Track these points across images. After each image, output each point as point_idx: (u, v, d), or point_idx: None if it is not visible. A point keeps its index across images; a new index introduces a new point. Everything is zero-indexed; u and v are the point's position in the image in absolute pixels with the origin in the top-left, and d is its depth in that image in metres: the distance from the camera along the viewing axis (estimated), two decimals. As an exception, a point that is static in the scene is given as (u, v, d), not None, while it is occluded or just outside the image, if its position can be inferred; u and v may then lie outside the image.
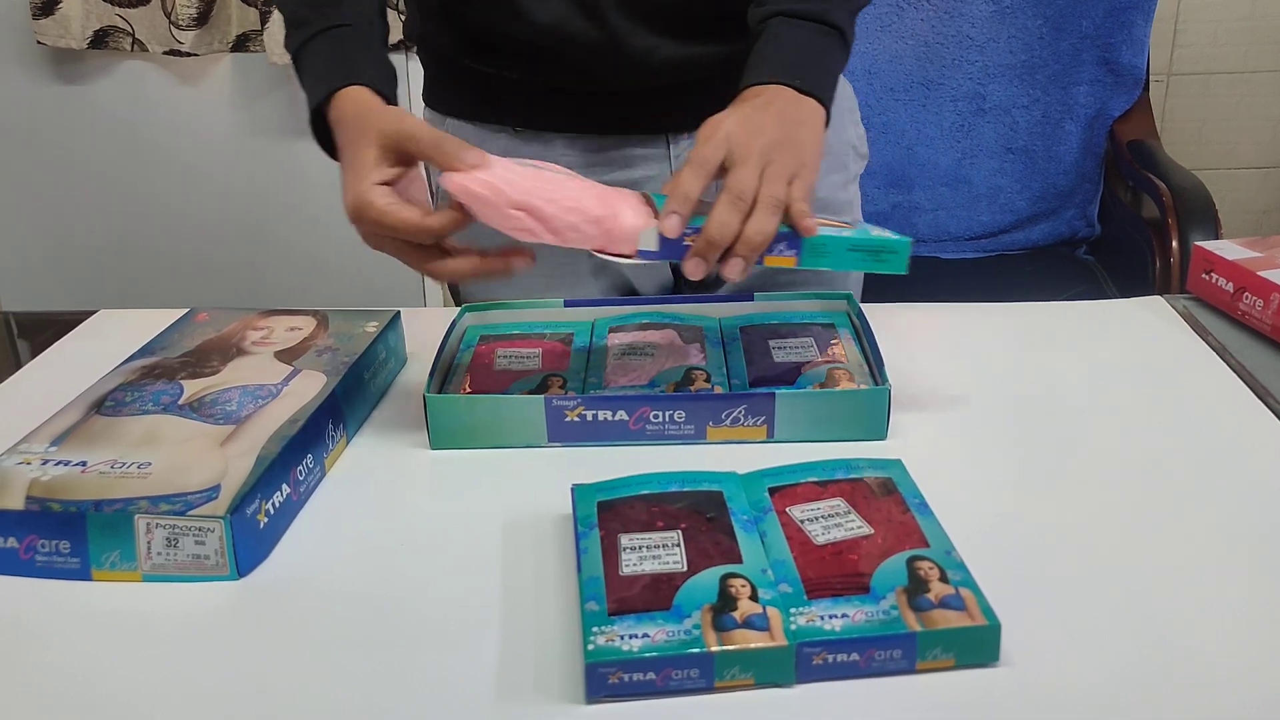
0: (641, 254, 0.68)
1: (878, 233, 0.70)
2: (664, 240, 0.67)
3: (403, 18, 1.99)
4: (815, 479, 0.63)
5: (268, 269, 2.14)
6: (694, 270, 0.67)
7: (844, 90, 0.97)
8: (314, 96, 0.76)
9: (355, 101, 0.73)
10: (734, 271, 0.67)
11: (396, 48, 1.99)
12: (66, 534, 0.60)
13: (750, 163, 0.67)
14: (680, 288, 0.99)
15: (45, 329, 0.92)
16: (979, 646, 0.52)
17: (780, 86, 0.73)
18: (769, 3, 0.79)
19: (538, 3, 0.83)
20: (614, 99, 0.88)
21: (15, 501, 0.61)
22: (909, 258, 0.69)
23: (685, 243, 0.67)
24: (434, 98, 0.97)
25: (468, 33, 0.89)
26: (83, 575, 0.60)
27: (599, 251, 0.68)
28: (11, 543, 0.60)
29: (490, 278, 0.71)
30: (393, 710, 0.51)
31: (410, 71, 2.03)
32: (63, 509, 0.60)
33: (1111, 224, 1.88)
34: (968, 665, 0.52)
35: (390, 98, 0.75)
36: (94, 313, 0.97)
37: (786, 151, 0.69)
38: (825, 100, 0.75)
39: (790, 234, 0.67)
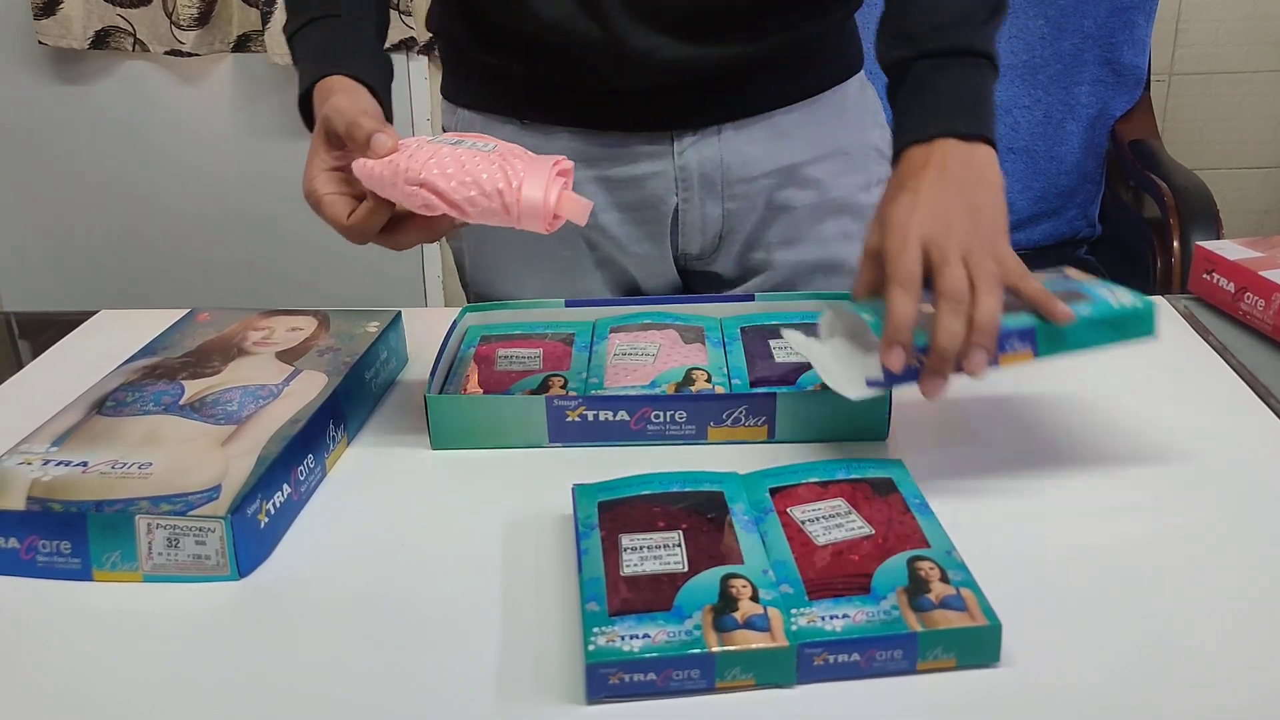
0: (870, 383, 0.64)
1: (1111, 295, 0.65)
2: (888, 371, 0.63)
3: (404, 18, 1.99)
4: (816, 479, 0.63)
5: (269, 269, 2.14)
6: (933, 390, 0.63)
7: (868, 92, 0.96)
8: (301, 83, 0.77)
9: (329, 90, 0.73)
10: (978, 368, 0.63)
11: (398, 48, 1.99)
12: (67, 534, 0.60)
13: (952, 259, 0.64)
14: (689, 286, 0.99)
15: (46, 329, 0.92)
16: (980, 647, 0.52)
17: (945, 141, 0.70)
18: (901, 40, 0.76)
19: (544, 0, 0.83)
20: (618, 96, 0.88)
21: (16, 502, 0.61)
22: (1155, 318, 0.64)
23: (913, 365, 0.62)
24: (448, 88, 0.98)
25: (479, 25, 0.89)
26: (84, 575, 0.60)
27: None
28: (12, 543, 0.60)
29: (426, 237, 0.71)
30: (393, 710, 0.51)
31: (410, 70, 2.03)
32: (64, 509, 0.60)
33: (1113, 224, 1.88)
34: (969, 665, 0.52)
35: (376, 88, 0.76)
36: (95, 313, 0.97)
37: (980, 229, 0.66)
38: (991, 139, 0.72)
39: (1022, 329, 0.63)
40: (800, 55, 0.89)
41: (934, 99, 0.73)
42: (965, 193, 0.68)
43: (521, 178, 0.65)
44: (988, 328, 0.62)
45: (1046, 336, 0.63)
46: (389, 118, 0.75)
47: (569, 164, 0.68)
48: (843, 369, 0.65)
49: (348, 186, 0.71)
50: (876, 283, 0.67)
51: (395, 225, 0.70)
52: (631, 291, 0.98)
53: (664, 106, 0.88)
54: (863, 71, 0.97)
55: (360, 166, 0.68)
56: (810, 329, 0.71)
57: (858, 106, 0.95)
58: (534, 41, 0.85)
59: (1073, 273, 0.71)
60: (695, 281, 0.98)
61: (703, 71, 0.86)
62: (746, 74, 0.87)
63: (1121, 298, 0.65)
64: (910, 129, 0.73)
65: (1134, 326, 0.64)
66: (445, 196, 0.65)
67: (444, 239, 0.80)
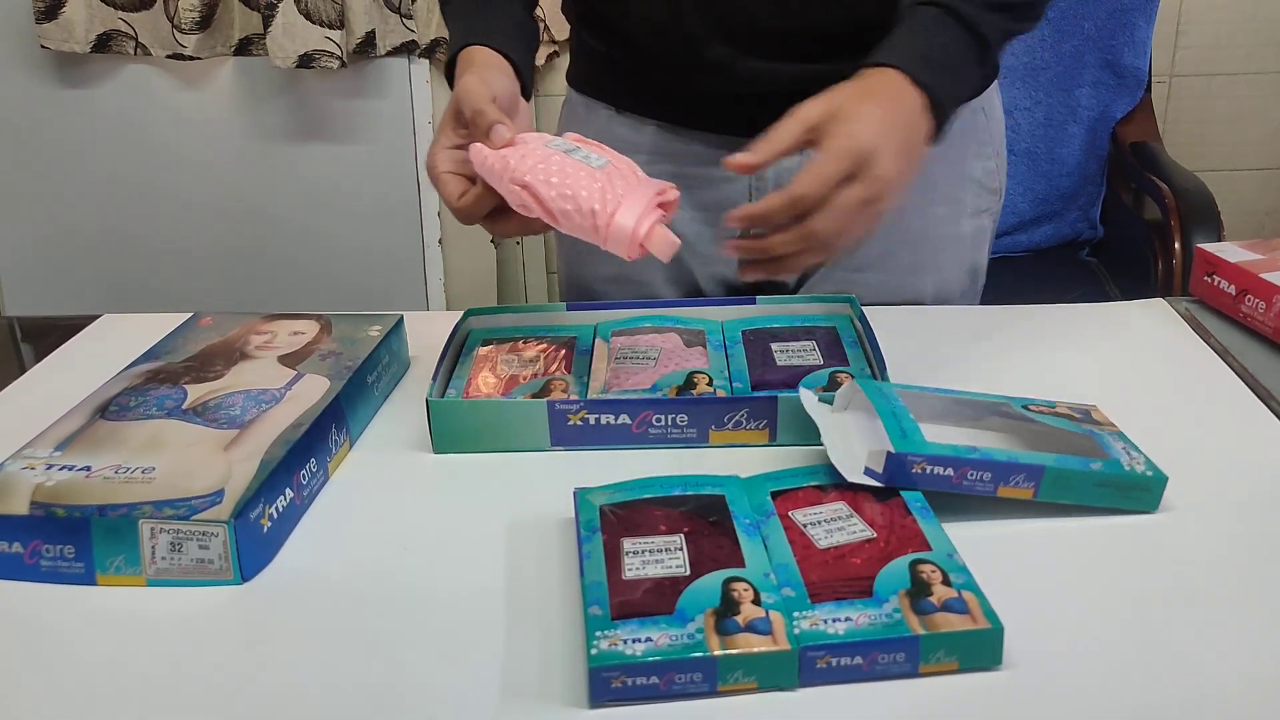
0: (867, 472, 0.62)
1: (1126, 457, 0.65)
2: (889, 462, 0.62)
3: (405, 21, 1.99)
4: (817, 483, 0.63)
5: (271, 273, 2.15)
6: (749, 275, 0.69)
7: (978, 119, 0.94)
8: (449, 49, 0.80)
9: (469, 62, 0.76)
10: (790, 273, 0.68)
11: (399, 51, 1.99)
12: (71, 539, 0.60)
13: (862, 193, 0.67)
14: (702, 293, 0.99)
15: (49, 333, 0.92)
16: (982, 649, 0.52)
17: (898, 74, 0.72)
18: None
19: None
20: (702, 98, 0.89)
21: (20, 506, 0.61)
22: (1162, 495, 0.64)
23: (914, 471, 0.62)
24: (569, 70, 1.02)
25: (586, 7, 0.93)
26: (87, 580, 0.60)
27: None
28: (16, 548, 0.60)
29: (526, 230, 0.74)
30: (396, 714, 0.51)
31: (412, 74, 2.03)
32: (67, 514, 0.60)
33: (1114, 226, 1.88)
34: (971, 668, 0.52)
35: (517, 61, 0.78)
36: (98, 317, 0.97)
37: (904, 181, 0.69)
38: (943, 104, 0.73)
39: (1031, 466, 0.62)
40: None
41: (913, 41, 0.75)
42: (912, 141, 0.71)
43: (619, 202, 0.67)
44: (826, 251, 0.68)
45: (1051, 482, 0.63)
46: (527, 91, 0.79)
47: (674, 194, 0.70)
48: (846, 447, 0.65)
49: (465, 167, 0.73)
50: (787, 146, 0.69)
51: (500, 214, 0.73)
52: (692, 289, 0.98)
53: (747, 112, 0.86)
54: (983, 97, 0.94)
55: (476, 153, 0.71)
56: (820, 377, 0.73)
57: (959, 133, 0.91)
58: (628, 35, 0.88)
59: (1100, 415, 0.71)
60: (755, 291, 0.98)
61: (786, 84, 0.84)
62: (823, 86, 0.86)
63: (1135, 463, 0.65)
64: (880, 54, 0.74)
65: (1139, 497, 0.64)
66: (543, 203, 0.68)
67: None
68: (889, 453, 0.62)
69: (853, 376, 0.75)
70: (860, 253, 0.92)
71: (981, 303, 0.98)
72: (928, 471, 0.62)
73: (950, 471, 0.62)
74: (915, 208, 0.91)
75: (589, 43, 0.94)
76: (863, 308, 0.83)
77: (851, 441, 0.66)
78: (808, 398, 0.69)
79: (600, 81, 0.96)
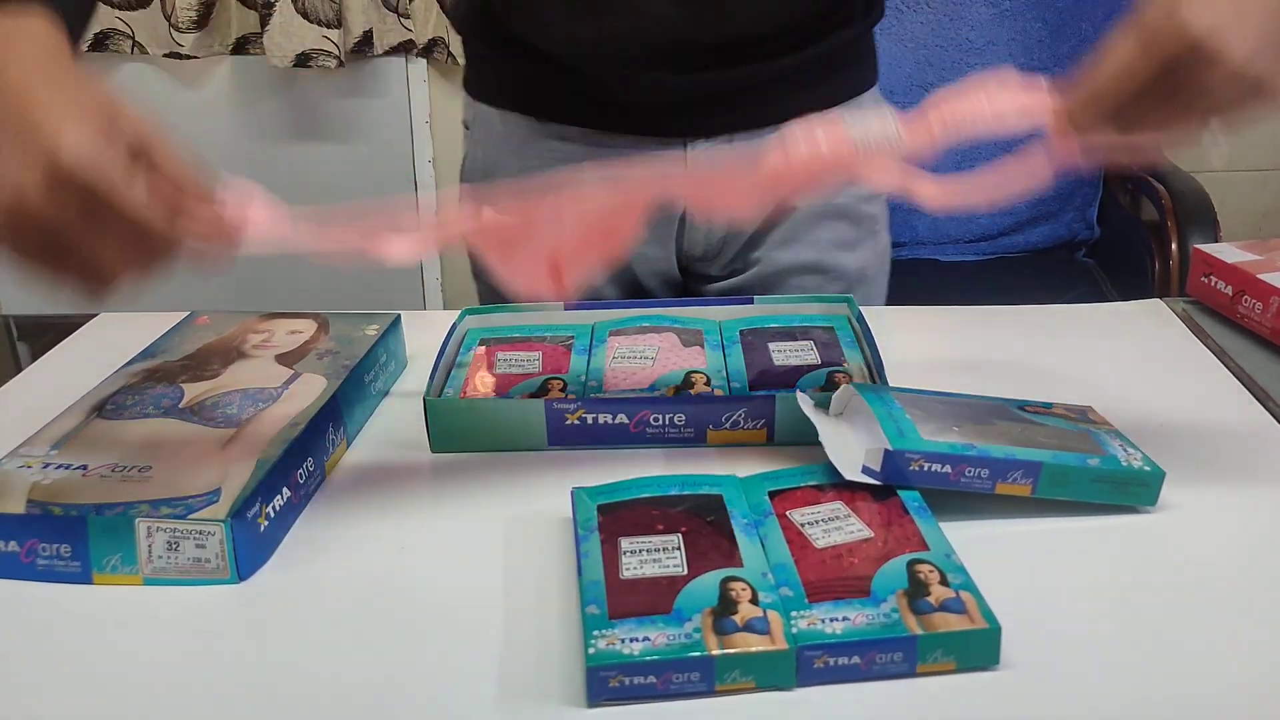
0: (865, 470, 0.62)
1: (1123, 453, 0.65)
2: (886, 460, 0.61)
3: (403, 20, 1.99)
4: (815, 483, 0.63)
5: (268, 272, 2.14)
6: None
7: (880, 106, 0.96)
8: None
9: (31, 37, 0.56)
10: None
11: (397, 50, 1.98)
12: (67, 537, 0.60)
13: None
14: (688, 287, 1.00)
15: (46, 332, 0.92)
16: (979, 649, 0.52)
17: None
18: None
19: None
20: (628, 105, 0.88)
21: (16, 505, 0.61)
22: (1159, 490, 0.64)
23: (911, 468, 0.62)
24: (469, 82, 0.99)
25: (495, 23, 0.90)
26: (84, 579, 0.60)
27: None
28: (13, 546, 0.60)
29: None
30: (393, 713, 0.51)
31: (410, 74, 2.03)
32: (64, 512, 0.60)
33: (1111, 227, 1.88)
34: (968, 668, 0.52)
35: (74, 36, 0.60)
36: (95, 316, 0.97)
37: None
38: None
39: (1029, 462, 0.62)
40: (817, 70, 0.89)
41: None
42: None
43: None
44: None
45: (1049, 479, 0.63)
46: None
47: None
48: (843, 447, 0.65)
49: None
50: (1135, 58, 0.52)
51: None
52: (633, 288, 0.98)
53: (675, 116, 0.88)
54: (876, 88, 0.97)
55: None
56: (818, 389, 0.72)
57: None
58: (543, 50, 0.86)
59: (1096, 415, 0.71)
60: (689, 279, 0.99)
61: (713, 89, 0.86)
62: (760, 88, 0.87)
63: (1133, 459, 0.65)
64: None
65: (1137, 493, 0.64)
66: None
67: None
68: (887, 450, 0.62)
69: (850, 379, 0.75)
70: (789, 230, 0.94)
71: (978, 303, 0.98)
72: (925, 469, 0.62)
73: (948, 469, 0.62)
74: (839, 185, 0.94)
75: (498, 57, 0.90)
76: (780, 290, 0.85)
77: (849, 441, 0.66)
78: (805, 402, 0.69)
79: (513, 93, 0.91)
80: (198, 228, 0.54)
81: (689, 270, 0.98)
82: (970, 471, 0.62)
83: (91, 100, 0.52)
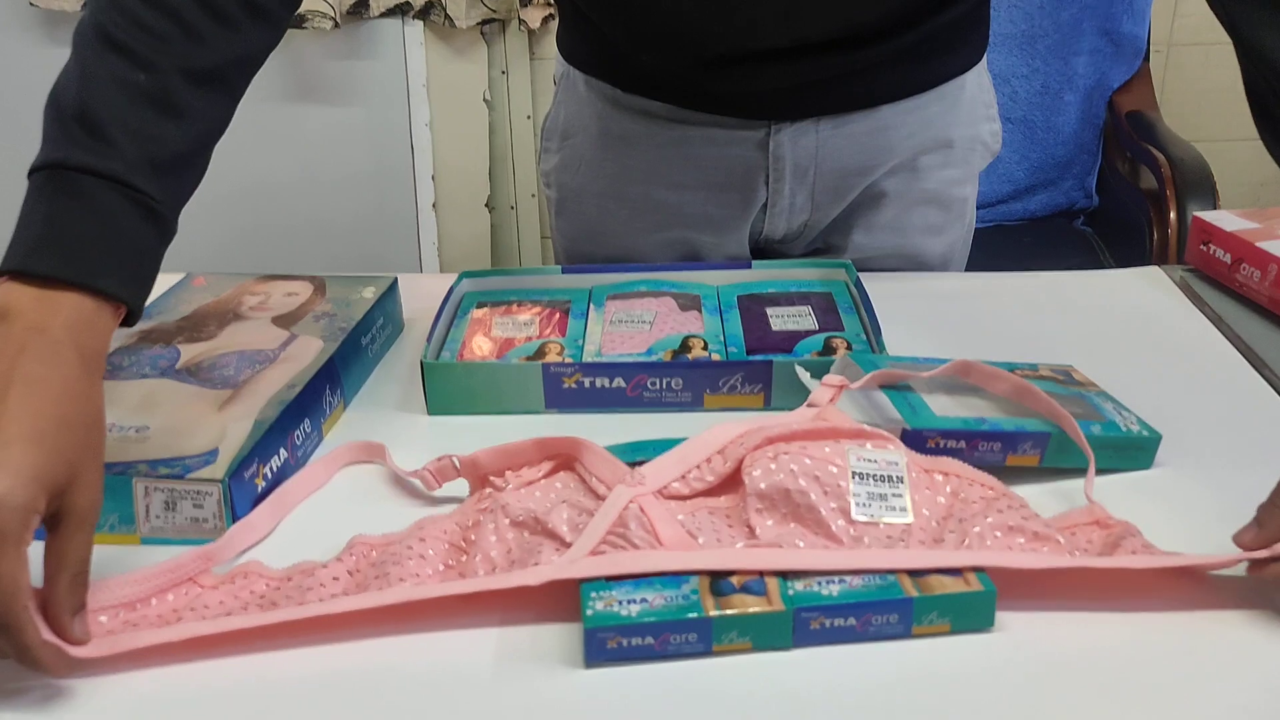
0: None
1: (1120, 418, 0.66)
2: (904, 439, 0.60)
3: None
4: None
5: (264, 234, 2.13)
6: None
7: (984, 80, 0.92)
8: (19, 258, 0.53)
9: (91, 333, 0.52)
10: None
11: (393, 13, 1.96)
12: (65, 497, 0.60)
13: None
14: (759, 255, 0.96)
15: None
16: (975, 612, 0.52)
17: None
18: None
19: None
20: (711, 88, 0.84)
21: (13, 464, 0.61)
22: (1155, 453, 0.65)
23: (928, 445, 0.61)
24: (562, 43, 0.95)
25: None
26: (81, 538, 0.60)
27: None
28: (10, 505, 0.60)
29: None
30: (392, 675, 0.51)
31: (406, 36, 2.00)
32: (61, 472, 0.60)
33: (1109, 195, 1.88)
34: (963, 630, 0.52)
35: (129, 311, 0.55)
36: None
37: None
38: None
39: (1038, 433, 0.63)
40: (917, 51, 0.83)
41: None
42: None
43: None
44: None
45: (1056, 448, 0.63)
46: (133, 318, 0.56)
47: None
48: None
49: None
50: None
51: None
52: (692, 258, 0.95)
53: (763, 101, 0.85)
54: (983, 62, 0.92)
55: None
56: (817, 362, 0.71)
57: (973, 99, 0.91)
58: (630, 29, 0.82)
59: (1079, 374, 0.71)
60: (764, 258, 0.96)
61: (806, 79, 0.82)
62: (854, 74, 0.82)
63: (1130, 423, 0.66)
64: None
65: (1134, 456, 0.65)
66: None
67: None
68: (905, 429, 0.62)
69: (849, 346, 0.75)
70: (875, 215, 0.91)
71: (975, 271, 0.97)
72: (941, 445, 0.62)
73: (962, 444, 0.62)
74: (930, 169, 0.90)
75: (590, 23, 0.87)
76: (866, 271, 0.83)
77: (855, 416, 0.66)
78: (803, 374, 0.69)
79: (600, 61, 0.90)
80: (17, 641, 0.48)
81: (766, 252, 0.95)
82: (984, 445, 0.63)
83: (67, 454, 0.48)
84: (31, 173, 0.56)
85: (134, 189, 0.55)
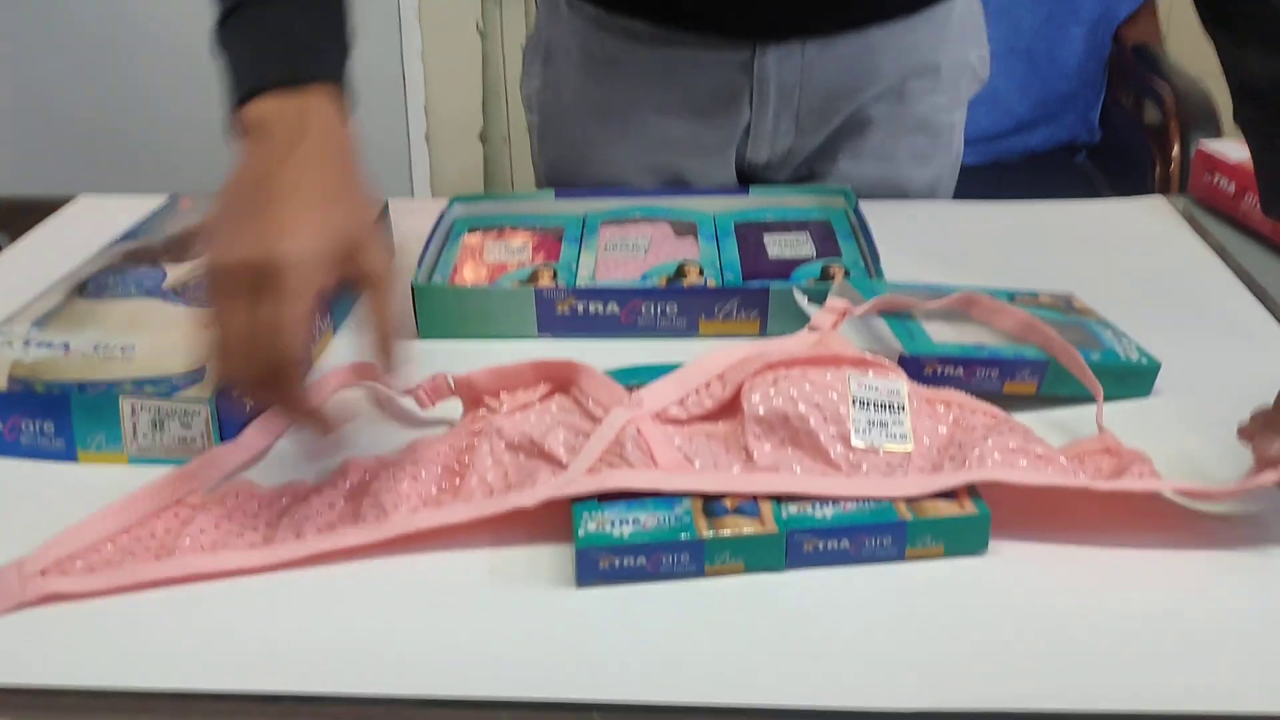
0: None
1: (1119, 346, 0.65)
2: (901, 365, 0.60)
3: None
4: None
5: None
6: None
7: (970, 5, 0.90)
8: (251, 79, 0.57)
9: (336, 119, 0.56)
10: None
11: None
12: (50, 415, 0.59)
13: None
14: (744, 181, 0.95)
15: (26, 213, 0.90)
16: (968, 535, 0.52)
17: None
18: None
19: None
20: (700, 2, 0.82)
21: (-2, 382, 0.60)
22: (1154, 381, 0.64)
23: (926, 371, 0.60)
24: None
25: None
26: (69, 456, 0.60)
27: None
28: (-5, 423, 0.60)
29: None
30: (385, 596, 0.51)
31: None
32: (46, 390, 0.59)
33: (1112, 130, 1.85)
34: (956, 554, 0.52)
35: (349, 105, 0.60)
36: (75, 197, 0.95)
37: None
38: None
39: (1036, 361, 0.62)
40: None
41: None
42: None
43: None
44: None
45: (1054, 376, 0.63)
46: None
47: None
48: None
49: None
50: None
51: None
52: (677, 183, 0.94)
53: (747, 18, 0.83)
54: None
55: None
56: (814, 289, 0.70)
57: (961, 23, 0.89)
58: None
59: (1078, 302, 0.70)
60: (750, 176, 0.94)
61: None
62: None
63: (1129, 351, 0.65)
64: None
65: (1133, 384, 0.64)
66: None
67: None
68: (902, 355, 0.61)
69: (846, 273, 0.74)
70: (862, 142, 0.90)
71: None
72: (939, 372, 0.61)
73: (960, 370, 0.62)
74: (918, 95, 0.89)
75: None
76: (858, 200, 0.82)
77: (854, 342, 0.65)
78: (801, 298, 0.68)
79: None
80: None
81: (751, 178, 0.94)
82: (981, 372, 0.62)
83: (340, 213, 0.53)
84: (219, 25, 0.61)
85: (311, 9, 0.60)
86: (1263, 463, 0.54)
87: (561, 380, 0.62)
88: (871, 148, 0.90)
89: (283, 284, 0.49)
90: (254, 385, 0.52)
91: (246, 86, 0.57)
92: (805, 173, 0.94)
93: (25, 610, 0.50)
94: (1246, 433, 0.56)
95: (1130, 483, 0.53)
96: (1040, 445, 0.55)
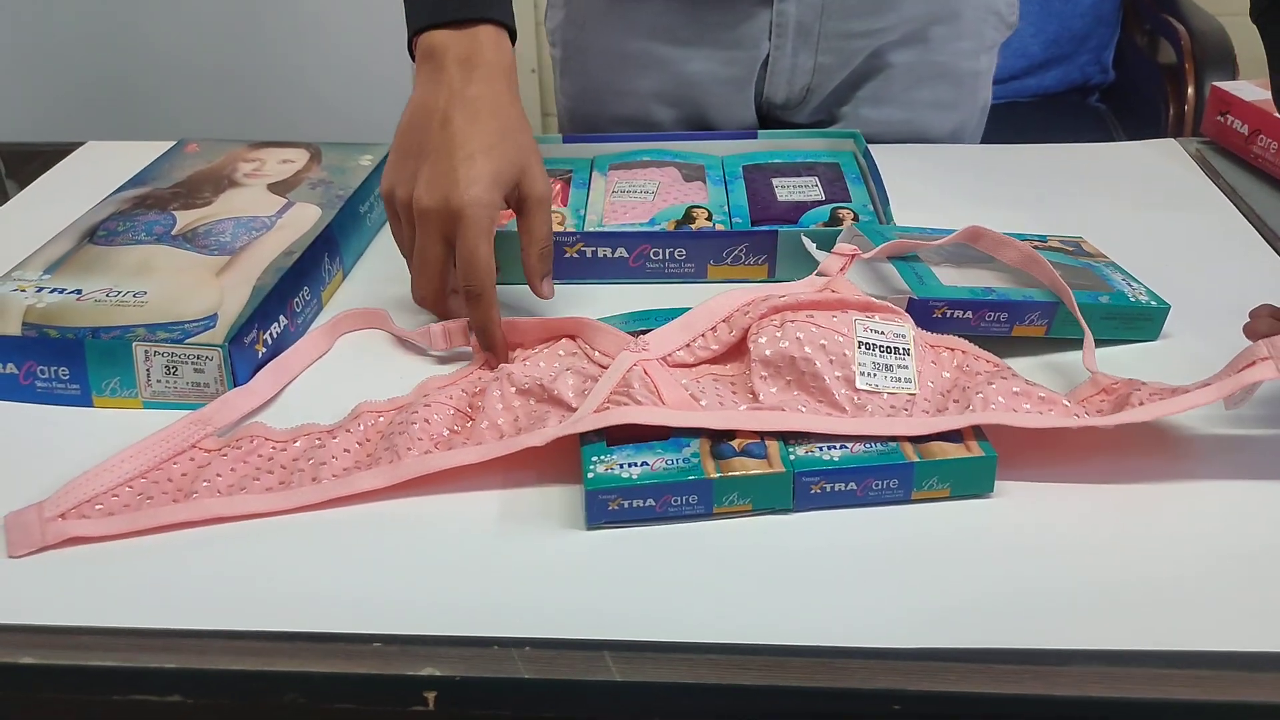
0: None
1: (1129, 288, 0.65)
2: (910, 308, 0.60)
3: None
4: None
5: (257, 100, 2.09)
6: None
7: None
8: (429, 14, 0.64)
9: (500, 53, 0.63)
10: None
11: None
12: (65, 360, 0.59)
13: None
14: (766, 124, 0.94)
15: (32, 160, 0.90)
16: (975, 477, 0.53)
17: None
18: None
19: None
20: None
21: (12, 327, 0.60)
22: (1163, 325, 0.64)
23: (934, 315, 0.61)
24: None
25: None
26: (84, 401, 0.60)
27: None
28: (10, 368, 0.60)
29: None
30: (397, 539, 0.52)
31: None
32: (60, 335, 0.60)
33: (1126, 71, 1.83)
34: (963, 495, 0.53)
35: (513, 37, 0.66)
36: (82, 144, 0.95)
37: None
38: None
39: (1045, 303, 0.62)
40: None
41: None
42: None
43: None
44: None
45: (1063, 318, 0.62)
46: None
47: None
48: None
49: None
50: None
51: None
52: (702, 129, 0.94)
53: None
54: None
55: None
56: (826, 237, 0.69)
57: None
58: None
59: (1088, 245, 0.69)
60: (769, 126, 0.94)
61: None
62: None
63: (1138, 294, 0.65)
64: None
65: (1142, 327, 0.64)
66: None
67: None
68: (911, 299, 0.61)
69: (855, 216, 0.74)
70: (883, 88, 0.89)
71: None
72: (948, 315, 0.61)
73: (969, 314, 0.62)
74: (941, 41, 0.88)
75: None
76: (871, 145, 0.81)
77: (862, 287, 0.65)
78: (809, 243, 0.68)
79: None
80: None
81: (769, 117, 0.93)
82: (990, 316, 0.62)
83: (514, 156, 0.62)
84: None
85: None
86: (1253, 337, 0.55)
87: (569, 336, 0.62)
88: (893, 94, 0.90)
89: (471, 227, 0.59)
90: (442, 303, 0.64)
91: (424, 19, 0.63)
92: (825, 117, 0.93)
93: (46, 552, 0.51)
94: (1251, 330, 0.58)
95: (1132, 415, 0.53)
96: (1043, 389, 0.55)
